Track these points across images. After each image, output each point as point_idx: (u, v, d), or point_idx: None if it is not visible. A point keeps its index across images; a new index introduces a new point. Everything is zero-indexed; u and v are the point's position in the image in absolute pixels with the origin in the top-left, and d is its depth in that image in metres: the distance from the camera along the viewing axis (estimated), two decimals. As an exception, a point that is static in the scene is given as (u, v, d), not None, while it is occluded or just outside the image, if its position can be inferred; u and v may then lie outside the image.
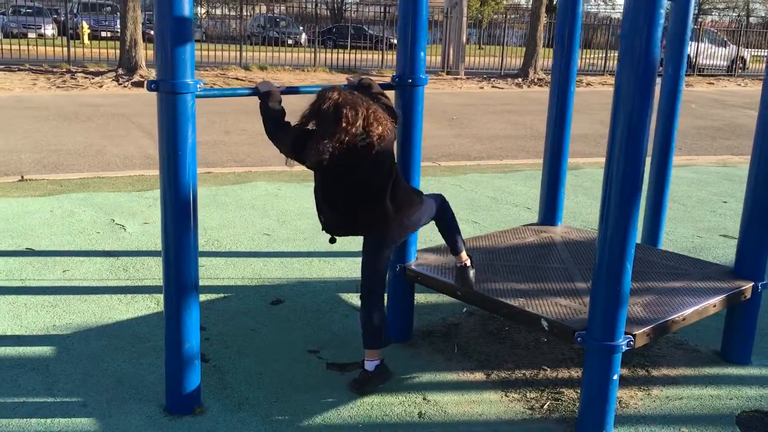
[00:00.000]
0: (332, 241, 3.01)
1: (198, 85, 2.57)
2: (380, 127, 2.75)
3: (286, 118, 2.85)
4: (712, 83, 22.10)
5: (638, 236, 4.69)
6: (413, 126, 3.23)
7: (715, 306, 3.04)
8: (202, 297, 3.93)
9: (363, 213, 2.85)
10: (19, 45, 17.80)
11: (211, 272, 4.33)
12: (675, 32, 4.19)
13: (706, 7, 49.14)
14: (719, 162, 8.69)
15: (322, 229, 2.97)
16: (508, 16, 32.64)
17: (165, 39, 2.49)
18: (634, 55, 2.34)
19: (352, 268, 4.47)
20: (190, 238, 2.66)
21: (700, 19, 41.67)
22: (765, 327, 3.71)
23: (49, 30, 23.80)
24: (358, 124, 2.70)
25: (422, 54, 3.17)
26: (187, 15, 2.49)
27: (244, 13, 26.95)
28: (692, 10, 4.23)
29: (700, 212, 6.12)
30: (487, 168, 7.79)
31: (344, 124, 2.69)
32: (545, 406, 2.94)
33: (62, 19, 19.36)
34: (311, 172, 2.93)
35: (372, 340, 2.98)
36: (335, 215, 2.89)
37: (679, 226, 5.63)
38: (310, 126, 2.79)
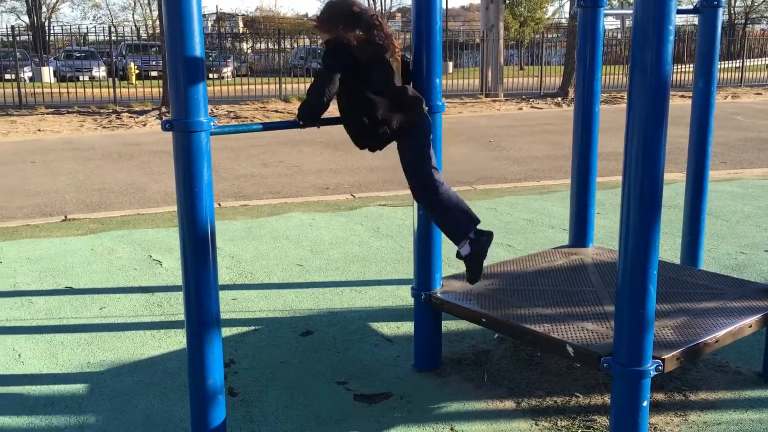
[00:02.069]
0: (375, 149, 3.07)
1: (212, 123, 2.61)
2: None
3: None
4: (760, 93, 21.56)
5: (677, 255, 4.57)
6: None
7: (750, 326, 2.92)
8: (234, 331, 3.97)
9: (408, 94, 2.99)
10: (68, 88, 18.47)
11: (242, 305, 4.37)
12: (704, 44, 4.10)
13: (753, 16, 48.12)
14: (766, 175, 8.43)
15: (370, 141, 3.01)
16: (551, 35, 32.50)
17: (178, 79, 2.53)
18: (645, 69, 2.30)
19: (382, 297, 4.45)
20: (210, 274, 2.68)
21: (748, 29, 40.79)
22: (811, 346, 3.55)
23: (101, 72, 24.71)
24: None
25: (438, 81, 3.16)
26: (199, 55, 2.54)
27: (287, 46, 27.49)
28: (720, 21, 4.14)
29: (745, 228, 5.93)
30: (523, 190, 7.71)
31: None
32: (576, 435, 2.86)
33: (112, 60, 20.10)
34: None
35: (455, 235, 3.07)
36: (384, 105, 2.92)
37: (721, 243, 5.46)
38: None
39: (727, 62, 25.04)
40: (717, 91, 4.23)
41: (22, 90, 17.73)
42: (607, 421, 2.93)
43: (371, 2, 50.75)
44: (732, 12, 45.06)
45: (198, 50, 2.53)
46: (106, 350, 3.75)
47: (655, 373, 2.51)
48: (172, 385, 3.36)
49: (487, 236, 3.11)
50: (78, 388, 3.35)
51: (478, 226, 3.11)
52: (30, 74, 23.74)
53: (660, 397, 3.11)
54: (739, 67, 25.15)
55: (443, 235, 3.28)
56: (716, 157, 9.47)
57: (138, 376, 3.45)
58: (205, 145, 2.59)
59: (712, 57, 4.08)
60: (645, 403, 2.52)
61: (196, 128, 2.55)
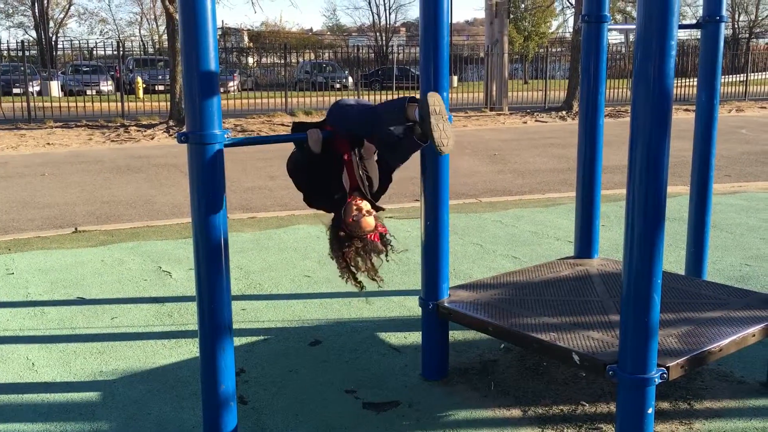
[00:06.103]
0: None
1: (225, 135, 2.68)
2: None
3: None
4: (765, 107, 21.61)
5: (682, 268, 4.61)
6: (439, 167, 3.27)
7: (754, 336, 2.96)
8: (244, 340, 4.02)
9: None
10: (76, 102, 18.63)
11: (252, 315, 4.42)
12: (706, 59, 4.17)
13: (758, 30, 48.24)
14: (770, 187, 8.46)
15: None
16: (555, 50, 32.69)
17: (193, 93, 2.61)
18: (648, 82, 2.36)
19: (390, 307, 4.50)
20: (223, 282, 2.74)
21: (752, 43, 40.87)
22: (815, 356, 3.58)
23: (107, 87, 24.88)
24: None
25: (445, 94, 3.23)
26: (213, 69, 2.61)
27: (292, 61, 27.71)
28: (722, 36, 4.20)
29: (749, 240, 5.97)
30: (528, 202, 7.76)
31: None
32: (582, 442, 2.89)
33: (119, 75, 20.30)
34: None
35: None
36: None
37: (726, 255, 5.49)
38: None
39: (731, 76, 25.12)
40: (722, 105, 4.30)
41: (31, 104, 17.88)
42: (613, 429, 2.97)
43: (375, 17, 51.08)
44: (736, 26, 45.20)
45: (212, 65, 2.60)
46: (118, 359, 3.81)
47: (660, 381, 2.55)
48: (184, 393, 3.41)
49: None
50: (91, 396, 3.40)
51: None
52: (38, 88, 23.94)
53: (665, 405, 3.15)
54: (743, 81, 25.23)
55: (450, 247, 3.33)
56: (720, 170, 9.52)
57: (150, 385, 3.50)
58: (218, 157, 2.66)
59: (714, 71, 4.15)
60: (650, 411, 2.56)
61: (210, 140, 2.62)
